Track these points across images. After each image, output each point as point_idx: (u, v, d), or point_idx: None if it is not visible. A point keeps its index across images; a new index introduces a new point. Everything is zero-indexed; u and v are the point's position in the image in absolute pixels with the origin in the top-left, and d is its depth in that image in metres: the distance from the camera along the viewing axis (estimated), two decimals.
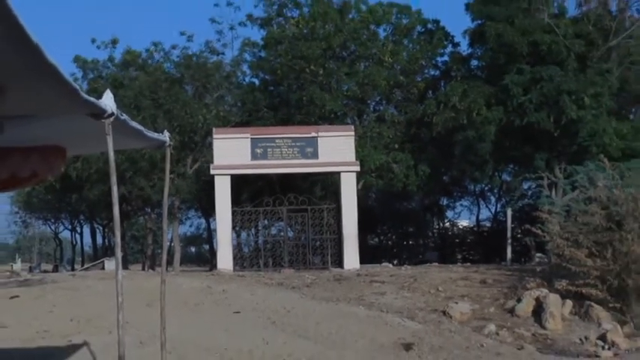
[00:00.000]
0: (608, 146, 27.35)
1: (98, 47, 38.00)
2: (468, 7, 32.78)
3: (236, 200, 27.87)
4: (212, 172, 27.44)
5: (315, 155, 27.27)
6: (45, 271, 39.20)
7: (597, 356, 14.86)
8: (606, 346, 15.45)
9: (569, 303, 17.58)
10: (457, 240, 42.83)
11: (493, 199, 41.46)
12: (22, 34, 4.90)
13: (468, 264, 28.17)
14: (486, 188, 40.12)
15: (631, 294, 17.14)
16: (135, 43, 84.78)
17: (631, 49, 31.91)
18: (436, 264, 28.51)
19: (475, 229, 42.67)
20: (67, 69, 34.53)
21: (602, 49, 31.04)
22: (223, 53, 37.86)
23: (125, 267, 30.56)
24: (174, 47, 37.31)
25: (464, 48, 35.83)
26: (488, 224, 41.86)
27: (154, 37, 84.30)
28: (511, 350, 15.18)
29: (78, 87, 6.24)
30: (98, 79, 36.43)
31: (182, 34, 37.35)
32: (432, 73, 36.85)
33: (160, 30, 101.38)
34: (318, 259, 28.22)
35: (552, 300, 17.46)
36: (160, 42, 37.80)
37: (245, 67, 38.87)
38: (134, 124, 7.93)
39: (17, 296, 18.58)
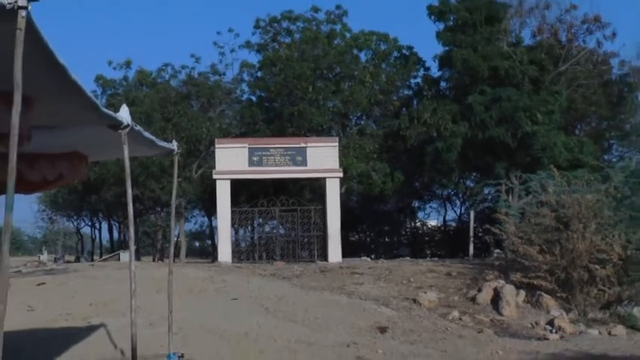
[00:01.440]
0: (557, 157, 27.49)
1: (114, 68, 38.26)
2: (438, 35, 32.89)
3: (235, 201, 27.87)
4: (214, 176, 27.46)
5: (304, 163, 27.31)
6: (68, 262, 38.99)
7: (546, 339, 14.96)
8: (554, 330, 15.58)
9: (522, 293, 17.71)
10: (426, 237, 42.84)
11: (458, 202, 41.54)
12: (51, 57, 4.92)
13: (436, 258, 28.17)
14: (452, 193, 40.18)
15: (575, 285, 17.29)
16: (148, 61, 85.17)
17: (577, 74, 32.14)
18: (408, 258, 28.54)
19: (442, 228, 42.72)
20: (89, 86, 34.43)
21: (553, 74, 31.21)
22: (224, 74, 38.03)
23: (138, 258, 30.54)
24: (184, 67, 37.47)
25: (434, 71, 36.03)
26: (453, 224, 41.93)
27: (165, 57, 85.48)
28: (472, 333, 15.25)
29: (98, 102, 6.26)
30: (115, 95, 36.41)
31: (192, 56, 37.58)
32: (407, 92, 36.93)
33: (170, 51, 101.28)
34: (306, 253, 28.23)
35: (508, 290, 17.58)
36: (170, 63, 37.94)
37: (244, 86, 39.01)
38: (146, 134, 7.96)
39: (44, 283, 18.55)
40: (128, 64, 37.96)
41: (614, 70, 34.25)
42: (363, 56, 36.88)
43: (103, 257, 43.32)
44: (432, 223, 44.12)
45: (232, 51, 38.04)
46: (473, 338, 14.73)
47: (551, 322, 16.02)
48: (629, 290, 17.27)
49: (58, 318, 14.63)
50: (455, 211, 42.20)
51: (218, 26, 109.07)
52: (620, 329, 15.77)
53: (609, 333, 15.59)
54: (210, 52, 58.55)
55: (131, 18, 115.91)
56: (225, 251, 26.95)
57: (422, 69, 36.96)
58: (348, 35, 36.53)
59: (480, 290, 18.14)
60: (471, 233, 29.11)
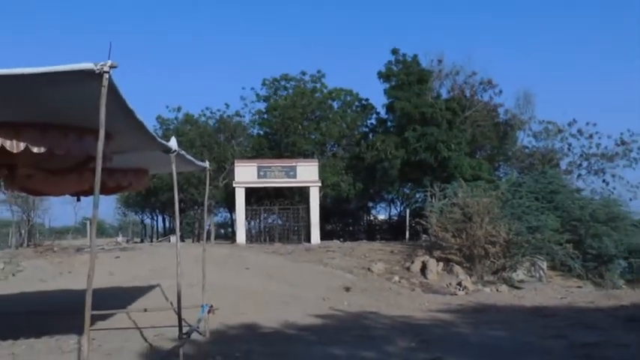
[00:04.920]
0: (464, 173, 27.61)
1: (170, 111, 38.15)
2: (385, 91, 33.05)
3: (247, 202, 27.80)
4: (234, 185, 27.43)
5: (295, 176, 27.38)
6: (135, 242, 38.67)
7: (456, 294, 15.13)
8: (461, 289, 15.75)
9: (441, 264, 17.86)
10: (377, 227, 42.50)
11: (399, 203, 41.32)
12: (124, 105, 4.96)
13: (384, 241, 28.23)
14: (395, 197, 40.04)
15: (475, 259, 17.47)
16: (192, 104, 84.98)
17: (477, 118, 32.46)
18: (365, 241, 28.59)
19: (388, 220, 42.54)
20: (152, 122, 34.10)
21: (462, 117, 31.47)
22: (244, 116, 37.99)
23: (182, 240, 30.41)
24: (219, 111, 37.30)
25: (383, 115, 36.03)
26: (395, 218, 41.60)
27: (204, 101, 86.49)
28: (407, 291, 15.38)
29: (155, 135, 6.31)
30: (168, 130, 36.23)
31: (226, 104, 37.61)
32: (364, 129, 36.89)
33: (207, 97, 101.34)
34: (296, 237, 28.19)
35: (432, 262, 17.74)
36: (209, 107, 37.74)
37: (256, 124, 38.96)
38: (188, 157, 8.00)
39: (119, 257, 18.46)
40: (179, 109, 37.94)
41: (501, 116, 34.57)
42: (335, 105, 36.99)
43: (159, 239, 42.97)
44: (381, 217, 43.94)
45: (252, 102, 38.26)
46: (408, 294, 14.87)
47: (459, 284, 16.20)
48: (510, 262, 17.52)
49: (128, 280, 14.61)
50: (396, 209, 42.04)
51: (241, 81, 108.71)
52: (504, 287, 16.03)
53: (497, 290, 15.84)
54: (236, 100, 58.86)
55: (182, 74, 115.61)
56: (241, 236, 26.94)
57: (374, 114, 37.12)
58: (325, 90, 36.64)
59: (412, 262, 18.28)
60: (407, 224, 29.24)
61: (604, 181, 31.77)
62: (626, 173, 32.00)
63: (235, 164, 28.41)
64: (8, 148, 5.16)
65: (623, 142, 31.47)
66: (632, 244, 18.70)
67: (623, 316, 11.23)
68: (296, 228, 28.67)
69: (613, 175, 31.66)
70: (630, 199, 28.23)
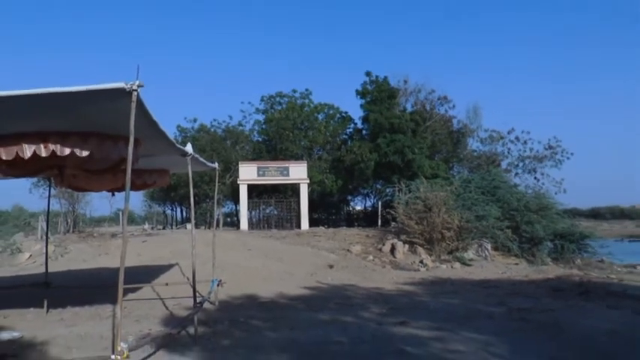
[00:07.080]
0: (425, 172, 27.78)
1: (187, 121, 37.90)
2: (361, 105, 33.18)
3: (249, 196, 27.74)
4: (238, 182, 27.35)
5: (288, 175, 27.37)
6: (158, 229, 38.31)
7: (419, 270, 15.21)
8: (423, 266, 15.84)
9: (406, 246, 17.96)
10: (355, 216, 42.48)
11: (372, 196, 41.48)
12: (149, 117, 4.96)
13: (360, 227, 28.31)
14: (369, 191, 40.12)
15: (435, 241, 17.59)
16: (204, 115, 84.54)
17: (436, 127, 32.67)
18: (345, 228, 28.68)
19: (364, 211, 42.59)
20: (172, 130, 33.78)
21: (423, 127, 31.65)
22: (244, 125, 37.86)
23: (196, 227, 30.12)
24: (224, 121, 37.24)
25: (359, 125, 36.10)
26: (370, 208, 41.76)
27: (213, 113, 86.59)
28: (379, 268, 15.46)
29: (175, 141, 6.30)
30: (186, 137, 35.96)
31: (229, 116, 37.49)
32: (344, 136, 36.96)
33: (216, 109, 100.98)
34: (289, 224, 28.16)
35: (399, 245, 17.83)
36: (216, 118, 37.63)
37: (255, 133, 38.82)
38: (201, 159, 8.00)
39: (146, 241, 18.33)
40: (195, 120, 37.78)
41: (455, 125, 34.84)
42: (320, 117, 36.96)
43: (178, 227, 42.60)
44: (358, 208, 43.93)
45: (250, 114, 38.19)
46: (380, 270, 14.95)
47: (421, 262, 16.30)
48: (462, 244, 17.66)
49: (153, 259, 14.51)
50: (370, 202, 42.01)
51: (242, 97, 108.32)
52: (457, 265, 16.14)
53: (452, 267, 15.95)
54: (236, 113, 58.55)
55: (201, 93, 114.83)
56: (244, 223, 26.88)
57: (352, 124, 37.17)
58: (312, 105, 36.62)
59: (384, 244, 18.38)
60: (379, 214, 29.31)
61: (535, 178, 32.28)
62: (553, 172, 32.68)
63: (239, 165, 28.34)
64: (58, 153, 5.17)
65: (550, 147, 32.05)
66: (557, 228, 19.02)
67: (550, 286, 11.44)
68: (289, 217, 28.64)
69: (542, 174, 32.21)
70: (556, 193, 28.70)
